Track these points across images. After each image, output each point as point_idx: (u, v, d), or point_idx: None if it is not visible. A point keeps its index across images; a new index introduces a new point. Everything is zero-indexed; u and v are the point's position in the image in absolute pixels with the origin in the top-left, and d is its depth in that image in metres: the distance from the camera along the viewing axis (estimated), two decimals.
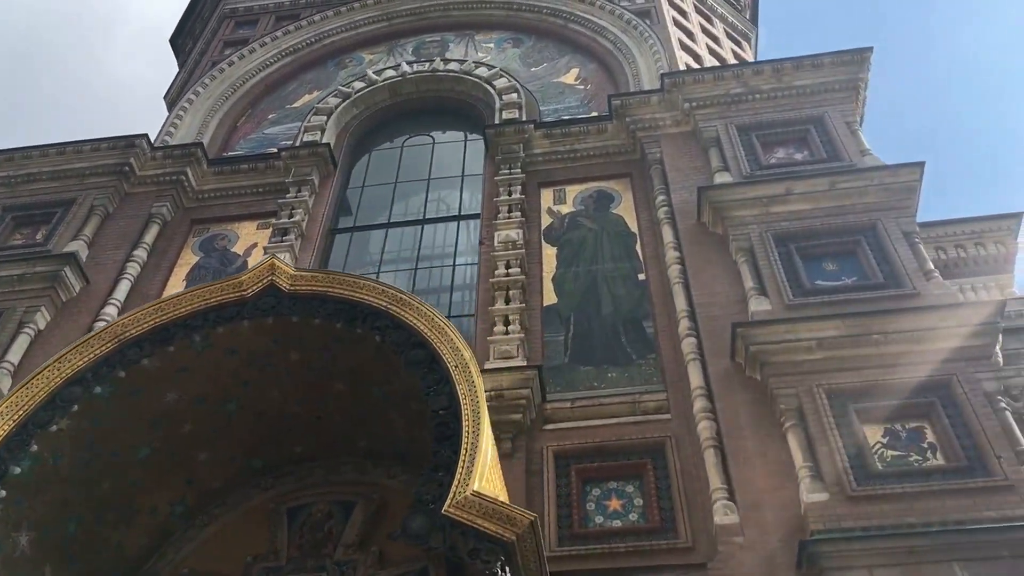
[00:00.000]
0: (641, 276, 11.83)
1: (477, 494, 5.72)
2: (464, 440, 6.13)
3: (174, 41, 22.53)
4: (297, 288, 7.66)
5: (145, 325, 7.50)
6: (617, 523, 9.12)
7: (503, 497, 6.28)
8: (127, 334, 7.45)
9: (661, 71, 14.64)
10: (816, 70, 13.44)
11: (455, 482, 5.83)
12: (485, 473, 6.01)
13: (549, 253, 12.53)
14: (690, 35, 17.11)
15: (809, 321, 9.67)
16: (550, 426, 10.07)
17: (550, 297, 11.82)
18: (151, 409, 7.84)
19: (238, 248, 13.49)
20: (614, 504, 9.34)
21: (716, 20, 18.86)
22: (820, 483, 8.34)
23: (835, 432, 8.71)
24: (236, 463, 8.70)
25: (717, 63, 17.04)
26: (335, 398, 8.40)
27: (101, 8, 59.77)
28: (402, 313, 7.26)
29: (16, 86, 54.85)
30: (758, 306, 10.22)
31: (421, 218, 13.89)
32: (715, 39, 18.05)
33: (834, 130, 12.62)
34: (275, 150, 14.64)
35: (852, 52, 13.58)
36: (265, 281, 7.76)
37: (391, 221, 13.92)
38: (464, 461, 5.95)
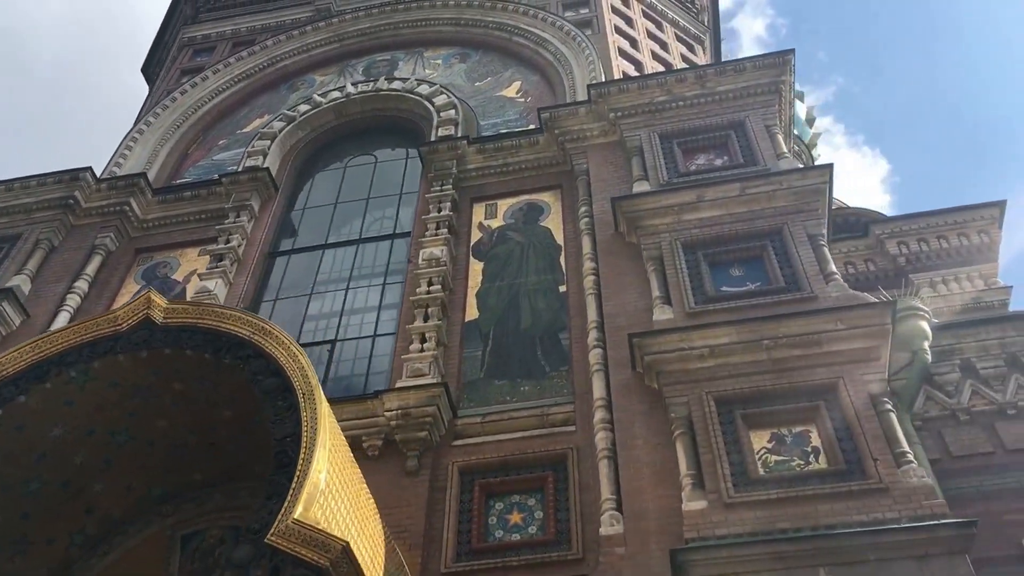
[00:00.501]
0: (562, 288, 11.96)
1: (298, 522, 5.90)
2: (298, 467, 6.31)
3: (145, 70, 22.96)
4: (169, 321, 7.89)
5: (21, 363, 7.76)
6: (516, 537, 9.27)
7: (342, 523, 6.44)
8: (4, 372, 7.71)
9: (593, 81, 14.75)
10: (738, 75, 13.49)
11: (282, 510, 6.02)
12: (317, 499, 6.18)
13: (476, 268, 12.70)
14: (634, 43, 17.21)
15: (703, 329, 9.76)
16: (459, 442, 10.23)
17: (472, 312, 11.99)
18: (37, 443, 8.09)
19: (179, 275, 13.78)
20: (515, 518, 9.49)
21: (667, 25, 18.93)
22: (700, 491, 8.44)
23: (719, 439, 8.80)
24: (135, 492, 8.94)
25: (662, 68, 17.11)
26: (224, 425, 8.60)
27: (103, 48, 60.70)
28: (264, 342, 7.46)
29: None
30: (661, 315, 10.33)
31: (357, 238, 14.09)
32: (663, 44, 18.12)
33: (753, 134, 12.69)
34: (218, 177, 14.92)
35: (774, 55, 13.63)
36: (140, 315, 8.00)
37: (327, 243, 14.14)
38: (293, 488, 6.13)
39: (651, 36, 18.11)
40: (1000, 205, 25.65)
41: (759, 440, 8.92)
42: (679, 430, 9.05)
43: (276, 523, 5.91)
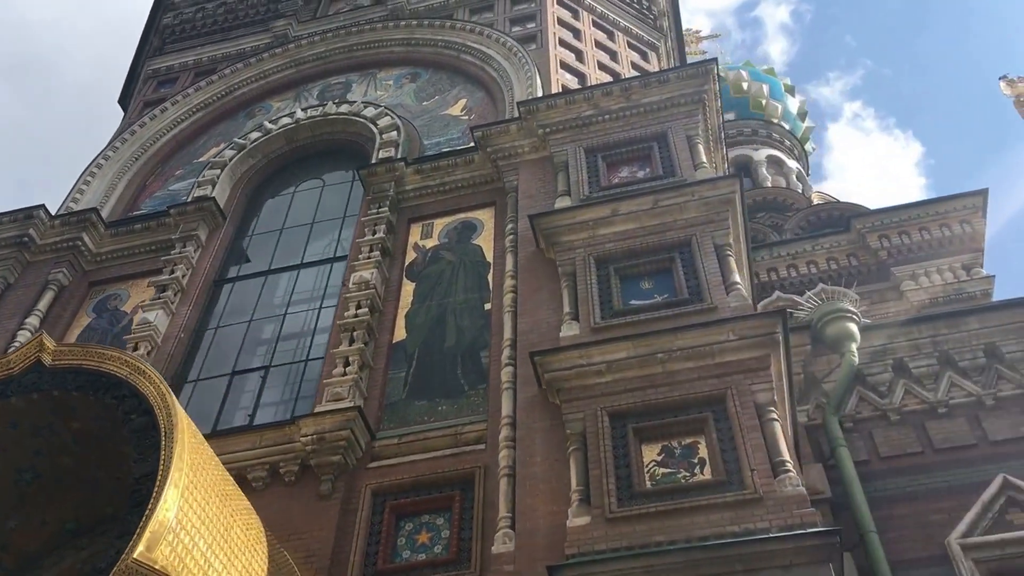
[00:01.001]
0: (487, 306, 12.16)
1: (137, 561, 6.16)
2: (149, 505, 6.57)
3: (122, 102, 23.43)
4: (57, 363, 8.20)
5: None
6: (422, 556, 9.50)
7: (201, 558, 6.70)
8: None
9: (530, 97, 14.93)
10: (663, 86, 13.62)
11: (126, 549, 6.28)
12: (165, 536, 6.43)
13: (408, 289, 12.94)
14: (579, 55, 17.36)
15: (602, 344, 9.92)
16: (375, 464, 10.48)
17: (400, 334, 12.23)
18: None
19: (128, 307, 14.15)
20: (423, 538, 9.72)
21: (618, 34, 19.05)
22: (586, 506, 8.61)
23: (608, 454, 8.95)
24: (49, 527, 9.26)
25: (609, 78, 17.24)
26: (127, 460, 8.88)
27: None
28: (138, 381, 7.74)
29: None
30: (568, 331, 10.50)
31: (298, 263, 14.38)
32: (613, 54, 18.24)
33: (674, 145, 12.81)
34: (167, 208, 15.28)
35: (696, 66, 13.76)
36: (32, 358, 8.31)
37: (271, 268, 14.44)
38: (140, 527, 6.39)
39: (600, 46, 18.24)
40: (982, 194, 25.57)
41: (650, 453, 9.07)
42: (573, 446, 9.22)
43: (119, 563, 6.16)
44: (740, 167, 34.34)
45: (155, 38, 21.67)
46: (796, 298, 24.66)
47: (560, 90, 15.45)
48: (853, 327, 12.70)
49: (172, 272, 13.97)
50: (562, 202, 12.42)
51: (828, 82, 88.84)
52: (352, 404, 10.65)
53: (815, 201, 29.95)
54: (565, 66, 16.72)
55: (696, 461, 8.84)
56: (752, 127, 35.21)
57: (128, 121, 18.79)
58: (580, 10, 18.90)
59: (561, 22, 18.09)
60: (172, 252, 14.42)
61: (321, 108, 16.97)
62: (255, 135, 16.78)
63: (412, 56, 18.17)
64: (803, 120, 36.80)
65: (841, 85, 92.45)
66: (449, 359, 11.59)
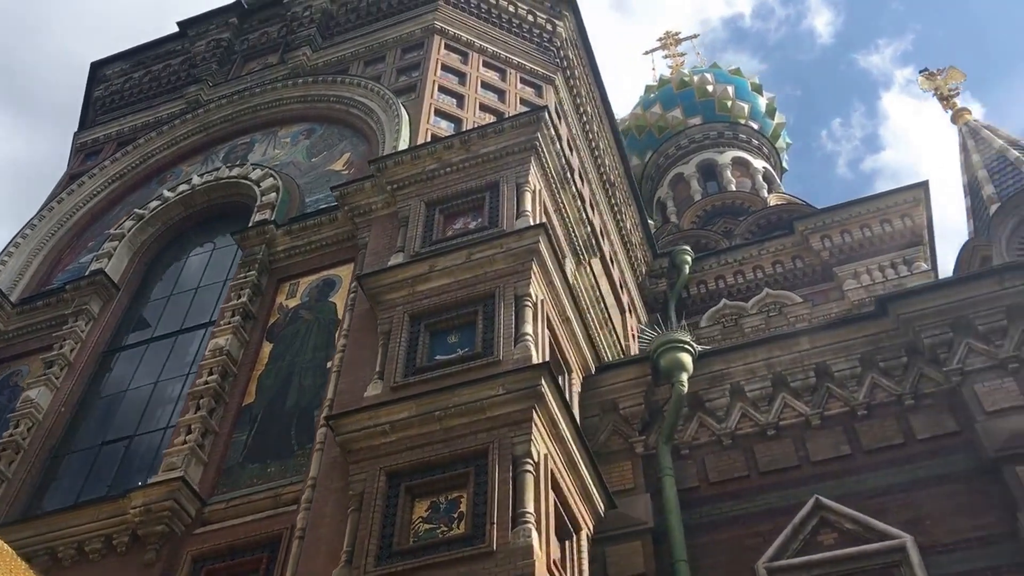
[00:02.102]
0: (329, 364, 12.77)
1: None
2: None
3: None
4: None
5: None
6: None
7: None
8: None
9: (394, 151, 15.49)
10: (499, 136, 14.11)
11: None
12: None
13: (265, 351, 13.61)
14: (460, 100, 17.83)
15: (389, 405, 10.46)
16: (202, 529, 11.13)
17: (250, 397, 12.90)
18: None
19: (25, 383, 15.03)
20: None
21: (511, 71, 19.49)
22: (347, 567, 9.17)
23: (378, 513, 9.48)
24: None
25: (493, 119, 17.72)
26: None
27: None
28: None
29: None
30: (371, 391, 11.06)
31: (177, 329, 15.16)
32: (501, 93, 18.67)
33: (503, 195, 13.28)
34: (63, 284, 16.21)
35: (529, 114, 14.24)
36: None
37: (154, 336, 15.25)
38: None
39: (487, 87, 18.70)
40: (922, 186, 25.55)
41: (419, 510, 9.59)
42: (352, 507, 9.78)
43: None
44: (705, 171, 34.53)
45: (90, 112, 22.70)
46: (743, 304, 25.10)
47: (429, 139, 15.96)
48: (685, 357, 13.06)
49: (60, 348, 14.85)
50: (395, 259, 12.98)
51: (877, 49, 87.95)
52: (178, 475, 11.32)
53: (772, 202, 29.97)
54: (441, 113, 17.22)
55: (456, 515, 9.33)
56: (718, 129, 35.34)
57: (51, 195, 19.79)
58: (470, 52, 19.40)
59: (446, 67, 18.60)
60: (64, 328, 15.32)
61: (215, 173, 17.76)
62: (154, 203, 17.63)
63: (309, 113, 18.86)
64: (772, 117, 36.75)
65: (891, 52, 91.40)
66: (287, 420, 12.22)
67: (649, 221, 27.93)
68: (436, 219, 13.49)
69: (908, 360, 12.45)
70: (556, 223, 14.35)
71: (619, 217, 23.79)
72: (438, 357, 11.30)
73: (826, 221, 25.41)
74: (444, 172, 14.12)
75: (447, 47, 19.25)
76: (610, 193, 23.42)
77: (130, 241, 17.00)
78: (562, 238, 14.44)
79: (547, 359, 11.12)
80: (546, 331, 11.66)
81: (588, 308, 15.83)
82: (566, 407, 10.43)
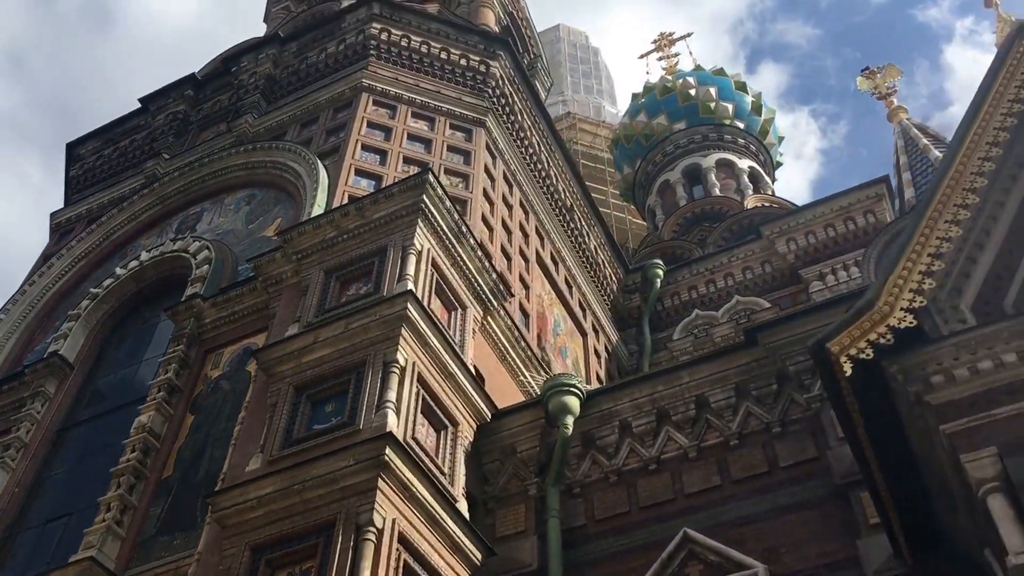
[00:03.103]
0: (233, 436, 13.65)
1: None
2: None
3: None
4: None
5: None
6: None
7: None
8: None
9: (307, 217, 16.31)
10: (389, 200, 14.83)
11: None
12: None
13: (187, 423, 14.59)
14: (383, 156, 18.59)
15: (260, 480, 11.28)
16: None
17: (169, 470, 13.88)
18: None
19: None
20: None
21: (440, 119, 20.13)
22: None
23: None
24: None
25: (417, 169, 18.46)
26: None
27: None
28: None
29: None
30: (252, 466, 11.90)
31: (118, 405, 16.23)
32: (427, 143, 19.34)
33: (390, 259, 13.99)
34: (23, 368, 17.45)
35: (415, 177, 14.91)
36: None
37: (97, 413, 16.37)
38: None
39: (414, 138, 19.39)
40: (883, 181, 25.54)
41: None
42: None
43: None
44: (691, 175, 34.74)
45: (68, 191, 24.09)
46: (714, 314, 25.37)
47: (346, 200, 16.75)
48: (571, 400, 13.61)
49: (17, 431, 16.06)
50: (291, 330, 13.80)
51: (936, 2, 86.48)
52: (90, 555, 12.32)
53: (749, 205, 30.11)
54: (362, 172, 17.99)
55: None
56: (702, 133, 35.52)
57: (27, 277, 21.12)
58: (399, 105, 20.14)
59: (372, 124, 19.37)
60: (22, 410, 16.54)
61: (160, 247, 18.85)
62: (108, 281, 18.80)
63: (251, 179, 19.81)
64: (759, 114, 36.71)
65: (948, 3, 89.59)
66: (196, 491, 13.13)
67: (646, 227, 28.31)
68: (332, 287, 14.27)
69: (778, 388, 12.83)
70: (454, 277, 15.00)
71: (580, 240, 24.31)
72: (315, 427, 12.07)
73: (791, 224, 25.56)
74: (342, 239, 14.90)
75: (375, 103, 20.03)
76: (568, 218, 23.97)
77: (85, 320, 18.17)
78: (461, 290, 15.08)
79: (413, 422, 11.86)
80: (418, 392, 12.33)
81: (508, 350, 16.51)
82: (421, 470, 11.11)
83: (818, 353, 8.38)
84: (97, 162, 23.94)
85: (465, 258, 15.29)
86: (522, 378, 16.72)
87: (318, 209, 16.45)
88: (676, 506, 12.51)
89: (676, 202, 33.66)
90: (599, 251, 25.31)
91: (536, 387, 16.65)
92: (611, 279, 25.68)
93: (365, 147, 18.78)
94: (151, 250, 19.05)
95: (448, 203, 15.05)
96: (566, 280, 22.71)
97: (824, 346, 8.34)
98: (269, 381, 13.06)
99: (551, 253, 22.31)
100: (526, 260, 20.35)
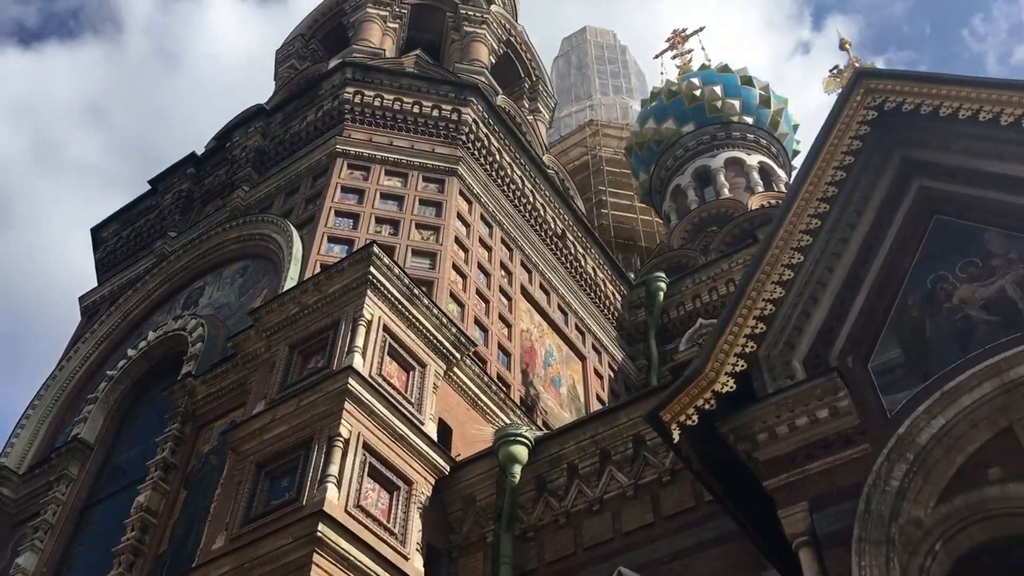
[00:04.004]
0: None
1: None
2: None
3: None
4: None
5: None
6: None
7: None
8: None
9: (279, 292, 17.46)
10: (341, 275, 15.88)
11: None
12: None
13: (181, 498, 15.93)
14: (356, 221, 19.68)
15: (218, 559, 12.48)
16: None
17: (165, 544, 15.23)
18: None
19: (19, 549, 17.97)
20: None
21: (413, 174, 21.10)
22: None
23: None
24: None
25: (390, 231, 19.57)
26: None
27: None
28: None
29: None
30: (217, 543, 13.10)
31: (130, 483, 17.68)
32: (400, 200, 20.33)
33: (341, 333, 15.05)
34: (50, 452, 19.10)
35: (362, 251, 15.92)
36: None
37: (113, 492, 17.86)
38: None
39: (387, 197, 20.40)
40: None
41: None
42: None
43: None
44: (700, 177, 35.00)
45: (98, 274, 25.88)
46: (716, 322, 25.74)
47: (319, 270, 17.88)
48: (518, 449, 14.47)
49: (44, 513, 17.68)
50: (258, 407, 14.99)
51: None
52: None
53: (753, 205, 30.31)
54: (334, 239, 19.12)
55: None
56: (710, 133, 35.74)
57: (58, 362, 22.90)
58: (373, 166, 21.20)
59: (346, 189, 20.49)
60: (49, 493, 18.17)
61: (163, 327, 20.32)
62: (122, 363, 20.37)
63: (244, 252, 21.10)
64: (768, 106, 36.69)
65: None
66: (185, 566, 14.39)
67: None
68: (295, 361, 15.41)
69: None
70: (410, 338, 15.94)
71: (576, 263, 25.05)
72: (273, 503, 13.21)
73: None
74: (304, 315, 16.03)
75: (350, 166, 21.16)
76: (560, 245, 24.74)
77: (103, 402, 19.74)
78: (419, 349, 16.03)
79: (358, 491, 12.89)
80: (364, 461, 13.34)
81: (478, 396, 17.40)
82: (361, 541, 12.12)
83: (652, 421, 9.07)
84: (118, 244, 25.66)
85: (421, 318, 16.24)
86: (497, 421, 17.57)
87: (290, 282, 17.63)
88: (615, 545, 13.24)
89: (688, 206, 34.01)
90: (598, 271, 25.98)
91: (510, 421, 17.50)
92: (614, 297, 26.31)
93: (339, 213, 19.91)
94: (157, 329, 20.54)
95: (397, 270, 16.04)
96: (559, 307, 23.47)
97: (657, 415, 9.03)
98: (236, 459, 14.26)
99: (540, 284, 23.11)
100: (508, 298, 21.21)
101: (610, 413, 14.45)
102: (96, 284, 25.77)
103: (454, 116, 22.80)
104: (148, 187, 25.71)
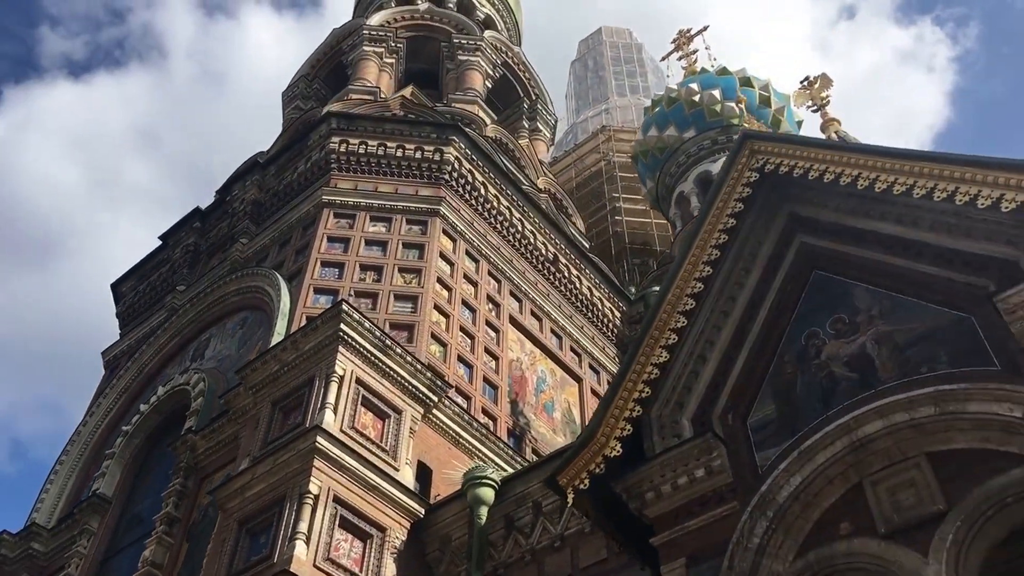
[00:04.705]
0: None
1: None
2: None
3: None
4: None
5: None
6: None
7: None
8: None
9: (270, 346, 18.51)
10: (315, 333, 16.83)
11: None
12: None
13: (184, 551, 17.06)
14: (341, 269, 20.64)
15: None
16: None
17: None
18: None
19: None
20: None
21: (396, 217, 22.00)
22: None
23: None
24: None
25: (373, 276, 20.52)
26: None
27: None
28: None
29: None
30: None
31: (145, 534, 18.89)
32: (383, 245, 21.16)
33: (315, 390, 16.00)
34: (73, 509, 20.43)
35: (333, 308, 16.86)
36: None
37: (127, 544, 19.10)
38: None
39: (371, 243, 21.31)
40: None
41: None
42: None
43: None
44: (703, 184, 35.28)
45: (120, 328, 27.29)
46: None
47: (304, 322, 18.89)
48: (484, 491, 15.28)
49: (67, 567, 18.99)
50: (242, 465, 16.03)
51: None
52: None
53: None
54: (320, 290, 20.12)
55: None
56: (711, 138, 35.83)
57: (84, 415, 24.29)
58: (358, 213, 22.17)
59: (331, 239, 21.48)
60: (73, 547, 19.49)
61: (171, 382, 21.53)
62: (136, 417, 21.64)
63: (243, 303, 22.22)
64: (768, 105, 36.75)
65: None
66: None
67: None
68: (275, 418, 16.41)
69: None
70: (385, 387, 16.81)
71: (570, 286, 25.76)
72: (252, 559, 14.22)
73: None
74: (284, 372, 17.02)
75: (336, 215, 22.16)
76: (553, 268, 25.49)
77: (120, 456, 21.04)
78: (395, 397, 16.90)
79: (328, 543, 13.85)
80: (334, 514, 14.27)
81: (459, 434, 18.23)
82: None
83: (551, 486, 9.82)
84: (135, 299, 27.05)
85: (395, 367, 17.11)
86: (480, 457, 18.35)
87: (277, 337, 18.67)
88: None
89: (691, 212, 34.31)
90: (594, 291, 26.66)
91: (502, 462, 18.32)
92: (612, 314, 26.96)
93: (324, 263, 20.92)
94: (167, 384, 21.77)
95: (368, 324, 16.93)
96: (552, 332, 24.20)
97: (555, 480, 9.78)
98: (223, 516, 15.31)
99: (531, 311, 23.87)
100: (496, 330, 22.01)
101: (567, 450, 15.13)
102: (118, 337, 27.24)
103: (436, 156, 23.67)
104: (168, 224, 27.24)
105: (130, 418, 22.56)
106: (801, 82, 28.42)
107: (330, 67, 34.23)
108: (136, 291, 27.15)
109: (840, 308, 9.81)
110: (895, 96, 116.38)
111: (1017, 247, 8.64)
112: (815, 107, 26.28)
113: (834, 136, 24.64)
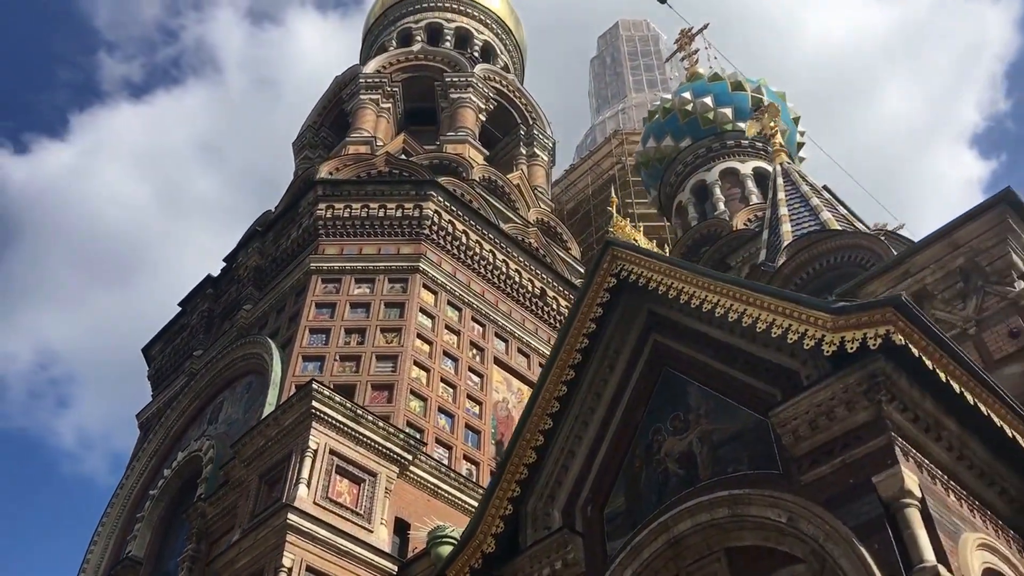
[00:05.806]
0: None
1: None
2: None
3: None
4: None
5: None
6: None
7: None
8: None
9: (266, 413, 20.31)
10: (291, 410, 18.59)
11: None
12: None
13: None
14: (327, 335, 22.33)
15: None
16: None
17: None
18: None
19: None
20: None
21: (380, 277, 23.68)
22: None
23: None
24: None
25: (357, 340, 22.22)
26: None
27: None
28: None
29: None
30: None
31: None
32: (367, 307, 22.74)
33: (291, 466, 17.75)
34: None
35: (304, 387, 18.56)
36: None
37: None
38: None
39: (356, 306, 22.89)
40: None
41: None
42: None
43: None
44: (699, 192, 36.18)
45: (153, 390, 29.54)
46: None
47: (294, 391, 20.66)
48: (445, 549, 16.80)
49: None
50: (234, 536, 17.88)
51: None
52: None
53: (739, 224, 31.40)
54: (308, 358, 21.90)
55: None
56: (705, 146, 36.76)
57: (120, 478, 26.57)
58: (343, 276, 23.87)
59: (319, 305, 23.23)
60: None
61: (187, 448, 23.56)
62: (160, 482, 23.75)
63: (248, 368, 24.12)
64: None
65: None
66: None
67: None
68: (262, 491, 18.24)
69: None
70: (359, 453, 18.50)
71: (559, 318, 27.06)
72: None
73: (750, 250, 27.09)
74: (269, 446, 18.84)
75: (323, 280, 23.91)
76: (541, 302, 26.90)
77: (148, 519, 23.20)
78: (370, 461, 18.56)
79: None
80: None
81: (438, 486, 19.83)
82: None
83: None
84: (163, 361, 29.30)
85: (368, 433, 18.76)
86: (461, 505, 19.87)
87: (268, 407, 20.51)
88: None
89: (688, 222, 35.30)
90: None
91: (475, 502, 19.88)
92: None
93: (312, 331, 22.68)
94: (185, 449, 23.85)
95: (339, 398, 18.61)
96: (541, 367, 25.54)
97: (443, 573, 11.27)
98: None
99: (518, 349, 25.32)
100: (480, 376, 23.52)
101: None
102: (151, 399, 29.52)
103: (415, 212, 25.23)
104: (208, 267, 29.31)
105: (158, 481, 24.75)
106: (753, 111, 29.51)
107: (334, 115, 35.96)
108: (163, 354, 29.36)
109: (679, 406, 10.96)
110: (961, 29, 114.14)
111: (796, 358, 9.75)
112: (768, 136, 27.22)
113: (779, 168, 25.48)
